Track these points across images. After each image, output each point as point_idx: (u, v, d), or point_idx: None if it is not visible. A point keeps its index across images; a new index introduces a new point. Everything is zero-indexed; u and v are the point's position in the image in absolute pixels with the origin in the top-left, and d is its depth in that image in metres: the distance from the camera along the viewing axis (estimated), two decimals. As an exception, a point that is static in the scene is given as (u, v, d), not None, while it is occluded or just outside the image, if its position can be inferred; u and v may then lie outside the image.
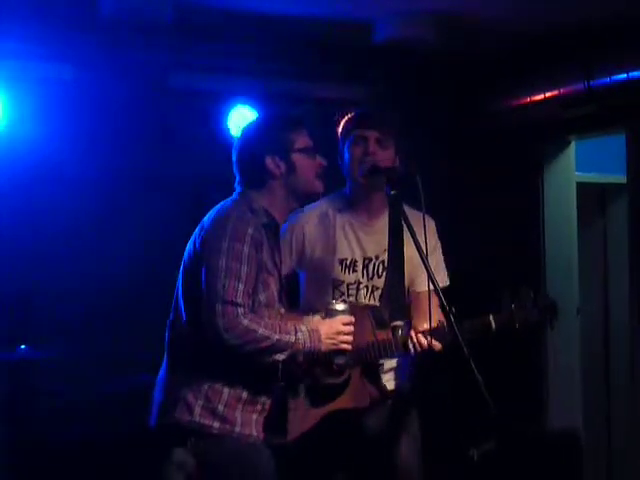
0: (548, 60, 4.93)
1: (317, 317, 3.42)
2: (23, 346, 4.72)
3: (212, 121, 5.15)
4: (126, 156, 4.98)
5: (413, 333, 3.50)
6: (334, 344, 3.28)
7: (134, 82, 4.80)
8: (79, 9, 4.44)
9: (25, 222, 4.91)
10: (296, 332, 3.16)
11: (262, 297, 3.18)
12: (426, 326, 3.46)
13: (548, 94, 5.01)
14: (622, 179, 5.38)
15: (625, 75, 4.60)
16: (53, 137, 4.83)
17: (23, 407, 4.75)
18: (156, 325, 3.40)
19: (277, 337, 3.10)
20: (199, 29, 4.74)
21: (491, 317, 3.50)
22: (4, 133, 4.71)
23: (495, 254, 5.59)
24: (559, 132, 5.60)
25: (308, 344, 3.19)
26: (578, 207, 5.89)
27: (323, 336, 3.24)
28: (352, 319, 3.36)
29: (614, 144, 5.50)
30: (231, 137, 4.89)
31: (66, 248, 4.97)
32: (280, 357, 3.17)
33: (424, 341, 3.48)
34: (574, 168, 5.88)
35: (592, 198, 6.34)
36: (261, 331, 3.06)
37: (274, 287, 3.25)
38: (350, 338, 3.32)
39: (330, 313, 3.35)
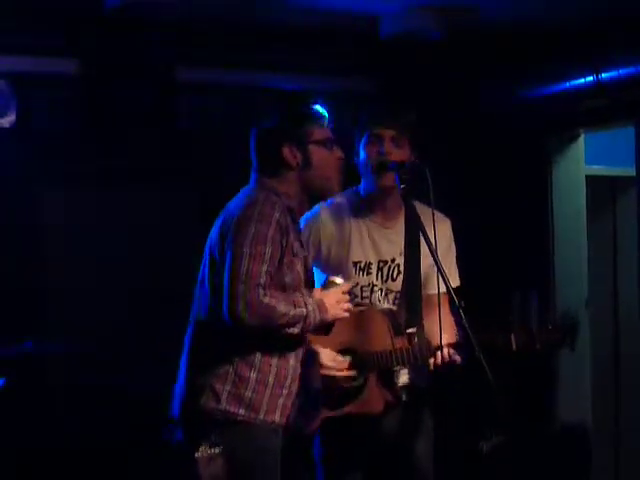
0: (557, 53, 4.91)
1: (317, 288, 3.40)
2: (30, 341, 4.72)
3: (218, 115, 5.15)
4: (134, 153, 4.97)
5: (434, 348, 3.49)
6: (337, 312, 3.29)
7: (141, 76, 4.80)
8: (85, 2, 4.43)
9: (31, 218, 4.89)
10: (306, 305, 3.16)
11: (288, 279, 3.18)
12: (445, 338, 3.43)
13: (557, 87, 5.00)
14: (631, 172, 5.35)
15: (634, 69, 4.59)
16: (59, 132, 4.82)
17: (31, 402, 4.75)
18: (166, 320, 3.39)
19: (293, 312, 3.11)
20: (205, 22, 4.73)
21: (512, 337, 3.46)
22: (11, 129, 4.69)
23: (504, 248, 5.57)
24: (568, 125, 5.58)
25: (318, 315, 3.19)
26: (587, 200, 5.87)
27: (328, 306, 3.26)
28: (350, 285, 3.42)
29: (623, 137, 5.48)
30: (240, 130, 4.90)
31: (72, 244, 4.96)
32: (294, 330, 3.15)
33: (447, 357, 3.47)
34: (583, 161, 5.85)
35: (601, 191, 6.32)
36: (280, 307, 3.06)
37: (300, 268, 3.25)
38: (349, 305, 3.34)
39: (330, 286, 3.37)
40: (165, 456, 3.37)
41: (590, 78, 4.78)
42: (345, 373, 3.51)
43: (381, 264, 3.69)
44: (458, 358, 3.47)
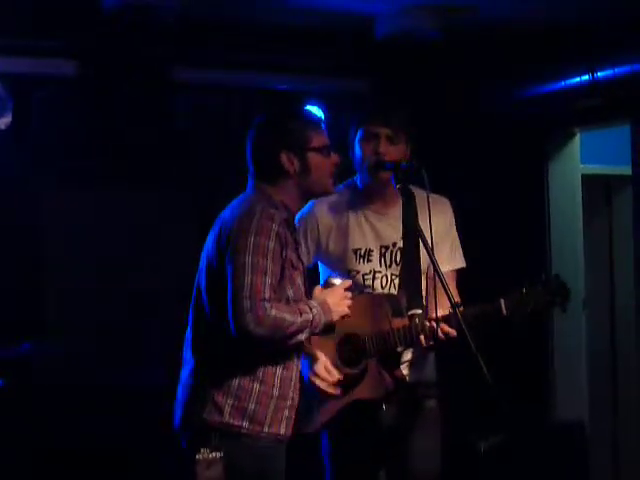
0: (553, 52, 4.92)
1: (317, 287, 3.40)
2: (28, 343, 4.72)
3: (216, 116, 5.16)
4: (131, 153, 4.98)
5: (426, 322, 3.49)
6: (341, 310, 3.29)
7: (139, 77, 4.81)
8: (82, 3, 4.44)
9: (30, 219, 4.91)
10: (311, 309, 3.16)
11: (290, 292, 3.16)
12: (439, 312, 3.44)
13: (553, 86, 5.01)
14: (627, 171, 5.37)
15: (629, 68, 4.61)
16: (57, 133, 4.83)
17: (29, 404, 4.75)
18: (166, 319, 3.40)
19: (300, 319, 3.10)
20: (202, 23, 4.74)
21: (502, 302, 3.47)
22: (7, 130, 4.70)
23: (500, 246, 5.58)
24: (564, 124, 5.60)
25: (323, 317, 3.19)
26: (583, 199, 5.89)
27: (331, 305, 3.25)
28: (350, 282, 3.40)
29: (619, 136, 5.50)
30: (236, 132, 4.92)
31: (71, 244, 4.97)
32: (302, 337, 3.15)
33: (438, 329, 3.46)
34: (579, 160, 5.87)
35: (597, 190, 6.34)
36: (288, 317, 3.06)
37: (300, 281, 3.24)
38: (350, 302, 3.33)
39: (329, 286, 3.37)
40: (165, 456, 3.38)
41: (586, 77, 4.80)
42: (331, 391, 3.49)
43: (383, 249, 3.69)
44: (450, 330, 3.46)
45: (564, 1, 4.44)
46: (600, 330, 6.30)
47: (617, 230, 6.36)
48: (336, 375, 3.50)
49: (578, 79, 4.85)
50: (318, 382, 3.47)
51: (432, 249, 3.32)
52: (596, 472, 5.66)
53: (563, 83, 4.95)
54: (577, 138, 5.79)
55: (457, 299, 3.42)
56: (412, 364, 3.71)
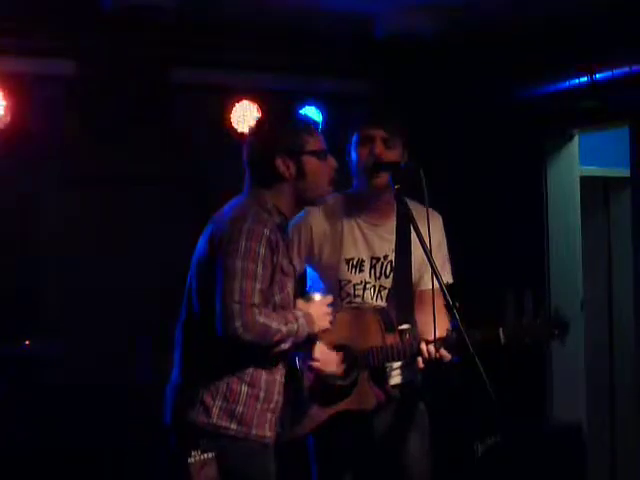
0: (552, 54, 4.93)
1: (300, 300, 3.37)
2: (27, 341, 4.73)
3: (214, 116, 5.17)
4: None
5: (424, 345, 3.50)
6: (323, 324, 3.29)
7: (138, 77, 4.82)
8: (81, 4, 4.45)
9: (31, 220, 4.91)
10: (297, 319, 3.16)
11: (278, 298, 3.17)
12: (432, 330, 3.41)
13: (552, 88, 5.02)
14: (625, 172, 5.38)
15: (628, 69, 4.62)
16: (57, 133, 4.84)
17: (28, 403, 4.76)
18: (163, 322, 3.41)
19: (285, 328, 3.11)
20: (201, 23, 4.75)
21: (501, 332, 3.47)
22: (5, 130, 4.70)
23: (498, 248, 5.59)
24: (563, 125, 5.60)
25: (306, 329, 3.20)
26: (582, 201, 5.88)
27: (315, 318, 3.25)
28: (330, 298, 3.39)
29: (618, 137, 5.50)
30: (234, 132, 4.95)
31: (71, 244, 4.98)
32: (285, 346, 3.16)
33: (434, 353, 3.47)
34: (578, 161, 5.87)
35: (596, 192, 6.34)
36: (274, 325, 3.07)
37: (290, 287, 3.25)
38: (331, 317, 3.33)
39: (309, 301, 3.35)
40: (164, 456, 3.39)
41: (585, 78, 4.81)
42: (333, 369, 3.50)
43: (374, 261, 3.69)
44: (446, 354, 3.48)
45: (564, 1, 4.45)
46: (598, 330, 6.30)
47: (615, 232, 6.36)
48: (334, 355, 3.50)
49: (577, 80, 4.86)
50: (317, 365, 3.46)
51: (430, 251, 3.32)
52: (594, 474, 5.66)
53: (562, 84, 4.96)
54: (576, 139, 5.79)
55: (445, 318, 3.41)
56: (401, 368, 3.71)
